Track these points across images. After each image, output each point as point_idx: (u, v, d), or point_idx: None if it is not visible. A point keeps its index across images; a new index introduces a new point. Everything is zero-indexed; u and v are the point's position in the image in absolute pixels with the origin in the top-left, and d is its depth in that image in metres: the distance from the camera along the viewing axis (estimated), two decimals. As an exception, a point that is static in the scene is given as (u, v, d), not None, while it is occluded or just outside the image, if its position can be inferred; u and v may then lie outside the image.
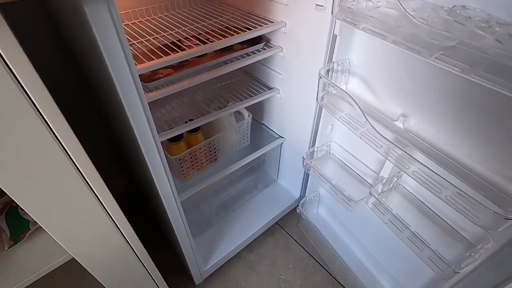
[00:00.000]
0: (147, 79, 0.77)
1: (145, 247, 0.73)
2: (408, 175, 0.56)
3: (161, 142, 0.96)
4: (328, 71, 0.73)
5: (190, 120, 0.88)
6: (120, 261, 0.68)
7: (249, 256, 1.23)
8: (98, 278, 0.67)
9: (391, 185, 0.73)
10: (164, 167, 0.66)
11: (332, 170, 0.96)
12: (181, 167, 0.95)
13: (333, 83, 0.69)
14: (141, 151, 0.61)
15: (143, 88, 0.60)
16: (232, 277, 1.17)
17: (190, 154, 0.95)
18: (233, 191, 1.25)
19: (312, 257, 1.21)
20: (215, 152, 1.04)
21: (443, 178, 0.50)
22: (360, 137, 0.65)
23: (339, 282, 1.12)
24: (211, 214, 1.19)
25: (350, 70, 0.75)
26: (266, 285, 1.14)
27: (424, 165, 0.52)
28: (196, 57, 0.86)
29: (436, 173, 0.51)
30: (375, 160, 0.80)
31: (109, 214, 0.59)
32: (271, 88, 1.07)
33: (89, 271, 0.63)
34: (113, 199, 0.58)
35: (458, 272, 0.54)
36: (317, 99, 0.75)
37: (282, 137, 1.19)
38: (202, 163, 1.02)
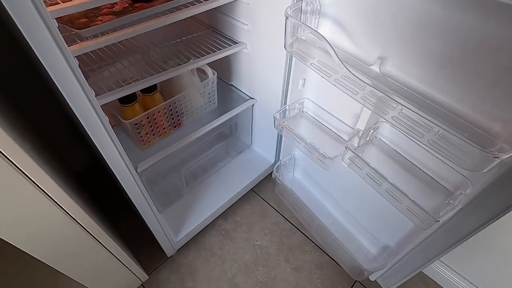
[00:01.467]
0: (82, 25, 0.64)
1: (113, 219, 0.65)
2: (387, 122, 0.50)
3: (115, 105, 0.85)
4: (296, 12, 0.63)
5: (144, 79, 0.77)
6: (69, 241, 0.60)
7: (224, 224, 1.19)
8: (45, 260, 0.58)
9: (368, 138, 0.67)
10: (108, 133, 0.56)
11: (306, 129, 0.90)
12: (139, 133, 0.85)
13: (302, 22, 0.59)
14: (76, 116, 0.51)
15: (76, 37, 0.49)
16: (207, 246, 1.12)
17: (148, 117, 0.84)
18: (204, 159, 1.17)
19: (289, 221, 1.19)
20: (178, 116, 0.93)
21: (427, 119, 0.44)
22: (335, 85, 0.57)
23: (315, 243, 1.11)
24: (180, 184, 1.11)
25: (320, 11, 0.65)
26: (242, 251, 1.11)
27: (405, 107, 0.46)
28: (144, 2, 0.73)
29: (418, 114, 0.45)
30: (350, 114, 0.74)
31: (42, 190, 0.49)
32: (237, 43, 0.96)
33: (30, 253, 0.55)
34: (45, 173, 0.48)
35: (438, 221, 0.50)
36: (285, 47, 0.66)
37: (252, 98, 1.10)
38: (164, 128, 0.92)
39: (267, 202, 1.26)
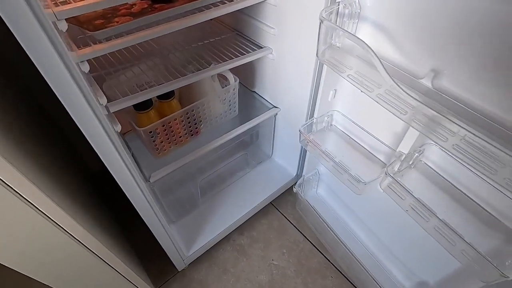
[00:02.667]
0: (98, 27, 0.60)
1: (125, 226, 0.60)
2: (446, 151, 0.41)
3: (131, 111, 0.80)
4: (331, 15, 0.55)
5: (160, 84, 0.71)
6: (70, 261, 0.55)
7: (239, 239, 1.12)
8: (44, 281, 0.54)
9: (411, 162, 0.57)
10: (113, 143, 0.50)
11: (334, 145, 0.81)
12: (154, 141, 0.80)
13: (340, 27, 0.51)
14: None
15: (90, 39, 0.43)
16: (220, 262, 1.06)
17: (164, 125, 0.79)
18: (222, 168, 1.11)
19: (309, 241, 1.09)
20: (195, 124, 0.88)
21: (504, 151, 0.34)
22: (377, 101, 0.48)
23: (337, 269, 1.01)
24: (196, 194, 1.06)
25: (359, 14, 0.56)
26: (256, 271, 1.03)
27: (471, 133, 0.36)
28: (164, 3, 0.68)
29: (490, 144, 0.35)
30: (389, 132, 0.64)
31: (42, 212, 0.44)
32: (262, 47, 0.89)
33: (27, 274, 0.50)
34: (45, 196, 0.43)
35: (507, 277, 0.40)
36: (317, 55, 0.57)
37: (276, 107, 1.02)
38: (181, 137, 0.86)
39: (286, 218, 1.17)
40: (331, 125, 0.81)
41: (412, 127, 0.47)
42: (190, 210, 1.07)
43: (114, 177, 0.56)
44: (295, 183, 1.22)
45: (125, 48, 0.84)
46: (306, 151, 1.03)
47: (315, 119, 0.77)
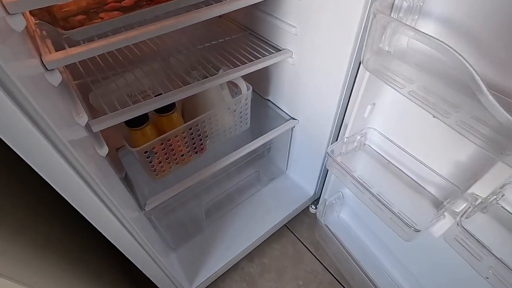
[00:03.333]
0: (77, 24, 0.47)
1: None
2: None
3: (121, 127, 0.67)
4: (384, 9, 0.41)
5: (158, 95, 0.58)
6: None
7: (248, 267, 0.98)
8: None
9: (484, 206, 0.43)
10: (82, 176, 0.36)
11: (368, 171, 0.66)
12: (150, 162, 0.67)
13: (408, 25, 0.37)
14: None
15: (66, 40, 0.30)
16: (227, 295, 0.92)
17: (162, 143, 0.66)
18: (230, 187, 0.97)
19: (329, 271, 0.95)
20: (200, 140, 0.74)
21: None
22: (457, 130, 0.34)
23: (364, 308, 0.87)
24: (200, 216, 0.92)
25: (421, 8, 0.42)
26: (269, 308, 0.89)
27: None
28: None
29: None
30: (448, 161, 0.50)
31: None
32: (281, 50, 0.75)
33: None
34: None
35: None
36: (362, 61, 0.43)
37: (294, 118, 0.88)
38: (183, 155, 0.73)
39: (303, 243, 1.03)
40: (363, 144, 0.67)
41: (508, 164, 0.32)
42: (193, 235, 0.93)
43: (85, 215, 0.42)
44: (313, 202, 1.08)
45: (118, 49, 0.71)
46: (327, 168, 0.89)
47: (345, 139, 0.63)
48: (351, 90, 0.65)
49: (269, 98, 0.95)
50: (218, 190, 0.94)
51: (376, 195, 0.55)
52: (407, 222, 0.47)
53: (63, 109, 0.40)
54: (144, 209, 0.67)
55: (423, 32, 0.33)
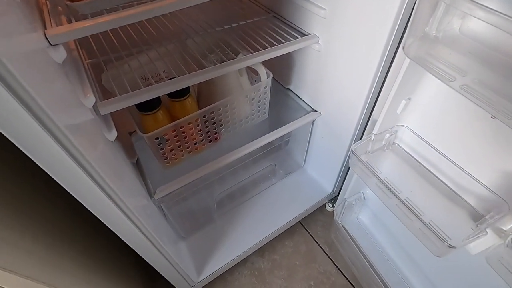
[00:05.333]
0: (85, -3, 0.43)
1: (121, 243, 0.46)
2: None
3: (133, 110, 0.64)
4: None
5: (172, 79, 0.54)
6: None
7: (258, 262, 0.95)
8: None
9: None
10: (78, 162, 0.33)
11: (395, 173, 0.60)
12: (161, 149, 0.64)
13: (475, 1, 0.30)
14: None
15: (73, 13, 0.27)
16: (235, 289, 0.90)
17: (175, 130, 0.62)
18: (244, 179, 0.93)
19: (342, 274, 0.91)
20: (215, 129, 0.70)
21: None
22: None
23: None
24: (212, 206, 0.90)
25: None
26: (278, 307, 0.86)
27: None
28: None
29: None
30: (498, 171, 0.43)
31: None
32: (306, 35, 0.69)
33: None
34: None
35: None
36: (403, 47, 0.37)
37: (316, 110, 0.82)
38: (195, 144, 0.70)
39: (316, 242, 0.99)
40: (392, 143, 0.60)
41: None
42: (203, 224, 0.91)
43: (84, 203, 0.39)
44: (330, 200, 1.03)
45: (133, 28, 0.68)
46: (348, 166, 0.83)
47: (373, 136, 0.57)
48: (383, 82, 0.58)
49: (290, 87, 0.89)
50: (232, 182, 0.90)
51: (405, 201, 0.49)
52: (440, 235, 0.41)
53: (65, 89, 0.37)
54: (153, 197, 0.64)
55: (499, 12, 0.26)
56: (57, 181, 0.32)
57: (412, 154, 0.57)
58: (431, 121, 0.52)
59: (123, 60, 0.61)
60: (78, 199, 0.36)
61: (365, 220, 0.86)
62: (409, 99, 0.52)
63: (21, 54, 0.28)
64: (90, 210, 0.39)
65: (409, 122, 0.56)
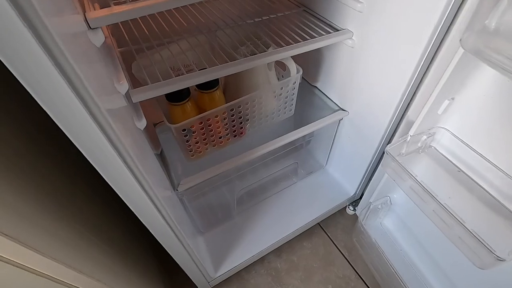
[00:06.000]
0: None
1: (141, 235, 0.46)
2: None
3: (162, 100, 0.64)
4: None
5: (202, 70, 0.53)
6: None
7: (275, 262, 0.93)
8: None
9: None
10: (117, 148, 0.33)
11: (431, 177, 0.57)
12: (187, 141, 0.63)
13: None
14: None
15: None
16: (251, 287, 0.89)
17: (201, 122, 0.61)
18: (265, 177, 0.92)
19: (362, 280, 0.88)
20: (240, 124, 0.69)
21: None
22: None
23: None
24: (231, 203, 0.89)
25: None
26: (294, 309, 0.84)
27: None
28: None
29: None
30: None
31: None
32: (339, 30, 0.66)
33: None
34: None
35: None
36: (460, 39, 0.34)
37: (343, 109, 0.79)
38: (221, 137, 0.69)
39: (336, 245, 0.96)
40: (429, 147, 0.57)
41: None
42: (222, 220, 0.90)
43: (115, 188, 0.39)
44: (352, 203, 1.00)
45: (164, 18, 0.67)
46: (374, 167, 0.80)
47: (409, 137, 0.54)
48: (420, 82, 0.55)
49: (317, 84, 0.87)
50: (253, 179, 0.89)
51: (445, 206, 0.46)
52: (488, 246, 0.38)
53: (103, 74, 0.37)
54: (177, 190, 0.64)
55: None
56: (91, 161, 0.32)
57: (450, 159, 0.54)
58: (475, 123, 0.48)
59: (154, 50, 0.60)
60: (109, 183, 0.36)
61: (389, 225, 0.82)
62: (453, 99, 0.49)
63: (69, 35, 0.27)
64: (120, 195, 0.38)
65: (449, 124, 0.53)
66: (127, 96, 0.47)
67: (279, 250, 0.94)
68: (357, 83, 0.71)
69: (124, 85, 0.43)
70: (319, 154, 1.00)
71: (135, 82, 0.55)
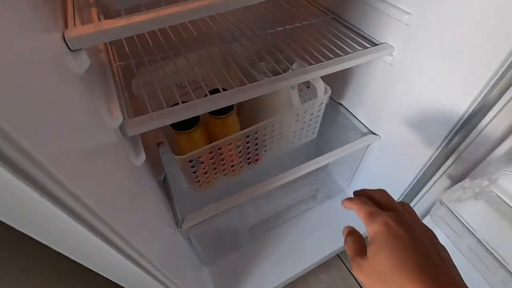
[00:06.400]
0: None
1: None
2: None
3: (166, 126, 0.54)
4: None
5: (214, 92, 0.44)
6: None
7: (288, 296, 0.84)
8: None
9: None
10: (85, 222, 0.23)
11: (490, 230, 0.46)
12: (194, 172, 0.53)
13: None
14: None
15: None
16: (261, 326, 0.79)
17: (211, 152, 0.52)
18: (281, 206, 0.82)
19: (388, 323, 0.77)
20: (256, 150, 0.59)
21: None
22: None
23: None
24: (241, 231, 0.79)
25: None
26: None
27: None
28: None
29: None
30: None
31: None
32: (376, 44, 0.56)
33: None
34: None
35: None
36: None
37: (374, 133, 0.69)
38: (233, 166, 0.59)
39: (357, 280, 0.86)
40: (489, 192, 0.47)
41: None
42: (230, 250, 0.81)
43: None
44: (374, 233, 0.89)
45: (171, 26, 0.58)
46: (404, 195, 0.70)
47: (467, 183, 0.43)
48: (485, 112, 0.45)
49: (342, 102, 0.77)
50: (268, 209, 0.79)
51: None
52: None
53: (80, 108, 0.27)
54: (181, 227, 0.55)
55: None
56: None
57: (517, 209, 0.44)
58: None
59: (157, 64, 0.51)
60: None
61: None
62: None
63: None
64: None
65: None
66: (121, 129, 0.38)
67: (293, 284, 0.84)
68: (392, 104, 0.61)
69: (116, 119, 0.34)
70: (340, 177, 0.90)
71: (136, 102, 0.46)
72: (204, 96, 0.43)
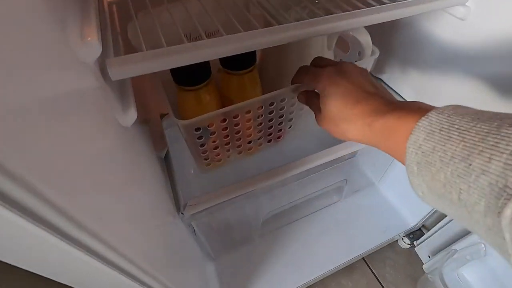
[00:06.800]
0: None
1: None
2: None
3: (169, 85, 0.42)
4: None
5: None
6: None
7: (304, 301, 0.73)
8: None
9: None
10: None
11: None
12: (201, 145, 0.43)
13: None
14: None
15: None
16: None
17: (225, 119, 0.41)
18: (302, 197, 0.70)
19: None
20: (280, 124, 0.48)
21: None
22: None
23: None
24: (255, 224, 0.68)
25: None
26: None
27: None
28: None
29: None
30: None
31: None
32: (442, -8, 0.43)
33: None
34: None
35: None
36: None
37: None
38: (250, 142, 0.48)
39: (382, 285, 0.74)
40: None
41: None
42: (240, 244, 0.70)
43: None
44: (407, 235, 0.77)
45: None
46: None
47: None
48: None
49: (382, 77, 0.64)
50: (285, 200, 0.67)
51: None
52: None
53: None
54: (182, 213, 0.44)
55: None
56: None
57: None
58: None
59: (163, 6, 0.40)
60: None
61: (472, 279, 0.59)
62: None
63: None
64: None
65: None
66: (103, 69, 0.27)
67: (313, 286, 0.73)
68: (457, 81, 0.48)
69: (89, 46, 0.23)
70: (369, 167, 0.77)
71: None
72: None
